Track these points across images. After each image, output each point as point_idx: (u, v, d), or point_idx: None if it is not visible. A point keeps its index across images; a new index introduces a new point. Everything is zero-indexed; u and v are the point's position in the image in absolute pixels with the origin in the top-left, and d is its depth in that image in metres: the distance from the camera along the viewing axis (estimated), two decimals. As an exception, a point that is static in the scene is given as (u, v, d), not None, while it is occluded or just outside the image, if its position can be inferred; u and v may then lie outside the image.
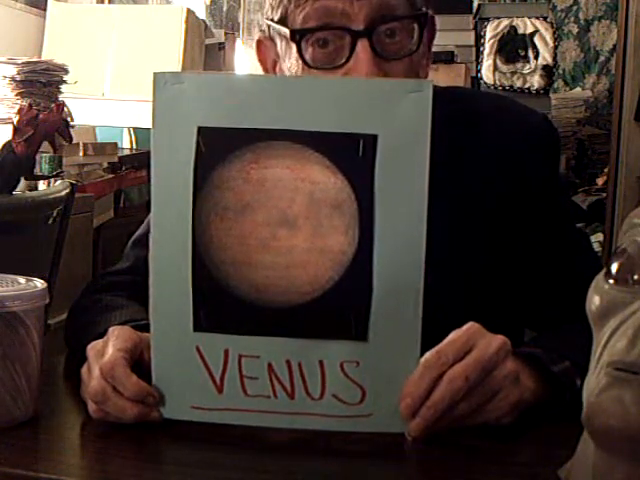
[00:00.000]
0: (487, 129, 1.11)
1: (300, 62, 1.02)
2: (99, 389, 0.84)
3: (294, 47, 1.02)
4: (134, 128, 3.23)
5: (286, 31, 1.03)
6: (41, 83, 2.73)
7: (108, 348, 0.86)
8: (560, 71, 5.46)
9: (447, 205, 1.02)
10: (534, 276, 1.11)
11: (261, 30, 1.11)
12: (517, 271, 1.11)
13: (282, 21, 1.04)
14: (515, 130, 1.12)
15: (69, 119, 2.63)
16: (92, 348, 0.88)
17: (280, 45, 1.07)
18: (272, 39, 1.08)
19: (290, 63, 1.05)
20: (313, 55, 1.02)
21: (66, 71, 2.83)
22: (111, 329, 0.89)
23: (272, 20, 1.06)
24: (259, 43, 1.11)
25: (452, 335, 0.83)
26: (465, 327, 0.84)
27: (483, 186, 1.10)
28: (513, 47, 3.59)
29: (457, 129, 1.06)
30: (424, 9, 1.05)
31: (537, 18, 3.64)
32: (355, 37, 0.99)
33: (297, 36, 1.01)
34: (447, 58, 3.44)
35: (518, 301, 1.12)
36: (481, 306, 1.02)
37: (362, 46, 0.99)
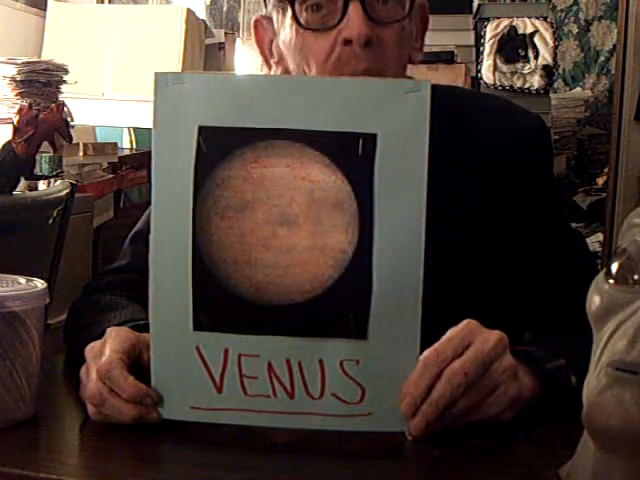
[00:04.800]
0: (481, 129, 1.12)
1: (294, 27, 1.05)
2: (96, 392, 0.84)
3: (289, 16, 1.05)
4: (134, 128, 3.23)
5: None
6: (41, 83, 2.72)
7: (105, 349, 0.86)
8: (560, 71, 5.46)
9: (444, 204, 1.03)
10: (529, 276, 1.11)
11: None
12: (513, 270, 1.11)
13: None
14: (508, 130, 1.13)
15: (69, 119, 2.63)
16: (90, 349, 0.88)
17: (276, 18, 1.09)
18: (268, 16, 1.11)
19: (285, 34, 1.07)
20: (307, 18, 1.04)
21: (66, 71, 2.83)
22: (109, 330, 0.89)
23: None
24: (256, 23, 1.14)
25: (450, 332, 0.84)
26: (462, 324, 0.84)
27: (478, 186, 1.10)
28: (513, 47, 3.59)
29: (452, 128, 1.07)
30: None
31: (537, 18, 3.63)
32: None
33: None
34: (447, 58, 3.43)
35: (515, 301, 1.12)
36: (479, 304, 1.03)
37: (354, 7, 1.01)
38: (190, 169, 0.83)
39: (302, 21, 1.04)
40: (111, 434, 0.84)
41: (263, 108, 0.83)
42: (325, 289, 0.82)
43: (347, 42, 1.01)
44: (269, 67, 1.13)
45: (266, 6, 1.11)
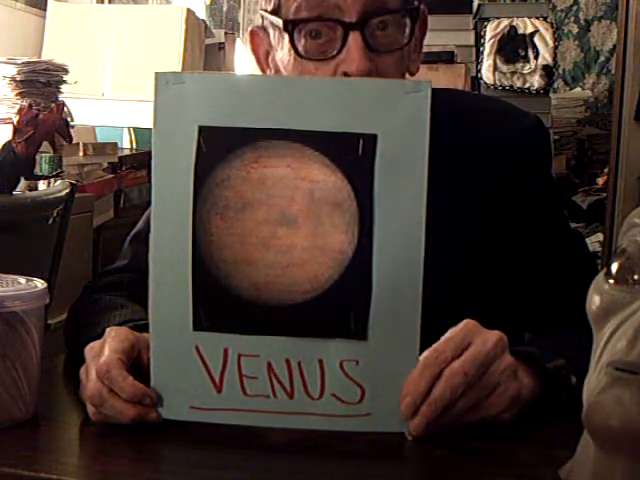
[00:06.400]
0: (480, 130, 1.12)
1: (292, 53, 1.03)
2: (96, 392, 0.84)
3: (286, 38, 1.03)
4: (134, 128, 3.23)
5: (279, 21, 1.04)
6: (41, 83, 2.73)
7: (104, 349, 0.86)
8: (560, 71, 5.46)
9: (444, 205, 1.03)
10: (529, 276, 1.11)
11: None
12: (513, 271, 1.11)
13: (275, 12, 1.05)
14: (507, 131, 1.13)
15: (69, 119, 2.63)
16: (89, 350, 0.88)
17: (273, 36, 1.08)
18: (265, 29, 1.09)
19: (282, 54, 1.06)
20: (305, 46, 1.03)
21: (66, 71, 2.83)
22: (108, 330, 0.89)
23: (266, 10, 1.07)
24: (252, 33, 1.12)
25: (449, 332, 0.84)
26: (462, 324, 0.84)
27: (478, 187, 1.10)
28: (513, 47, 3.59)
29: (451, 130, 1.07)
30: (416, 3, 1.06)
31: (537, 18, 3.63)
32: (347, 29, 1.00)
33: (289, 26, 1.02)
34: (447, 58, 3.43)
35: (515, 301, 1.12)
36: (479, 304, 1.03)
37: (354, 38, 1.00)
38: (190, 169, 0.83)
39: (300, 48, 1.02)
40: (111, 434, 0.84)
41: (263, 108, 0.83)
42: (325, 289, 0.82)
43: (346, 74, 1.00)
44: None
45: (263, 20, 1.09)
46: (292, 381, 0.84)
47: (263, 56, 1.11)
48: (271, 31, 1.08)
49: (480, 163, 1.11)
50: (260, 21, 1.10)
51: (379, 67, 1.01)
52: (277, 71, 1.09)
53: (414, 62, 1.10)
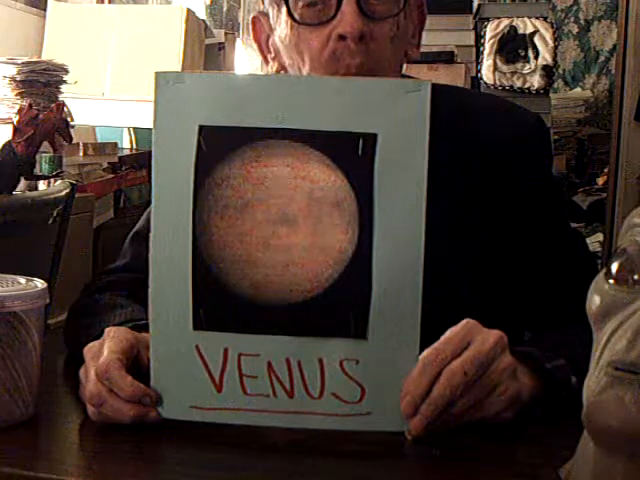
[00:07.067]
0: (481, 128, 1.12)
1: (289, 23, 1.06)
2: (95, 392, 0.84)
3: (284, 12, 1.06)
4: (134, 128, 3.23)
5: None
6: (41, 83, 2.72)
7: (103, 350, 0.86)
8: (560, 71, 5.46)
9: (444, 204, 1.03)
10: (529, 276, 1.11)
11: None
12: (513, 270, 1.11)
13: None
14: (508, 130, 1.13)
15: (69, 119, 2.63)
16: (89, 350, 0.88)
17: (272, 15, 1.11)
18: (265, 13, 1.12)
19: (280, 30, 1.08)
20: (301, 14, 1.06)
21: (66, 71, 2.83)
22: (107, 330, 0.89)
23: None
24: (254, 20, 1.15)
25: (449, 332, 0.84)
26: (462, 323, 0.84)
27: (478, 186, 1.10)
28: (513, 47, 3.59)
29: (452, 128, 1.07)
30: None
31: (537, 18, 3.63)
32: None
33: None
34: (447, 58, 3.43)
35: (515, 300, 1.12)
36: (479, 304, 1.03)
37: (348, 2, 1.02)
38: (190, 168, 0.83)
39: (297, 16, 1.05)
40: (111, 434, 0.84)
41: (263, 107, 0.83)
42: (325, 289, 0.82)
43: (341, 37, 1.02)
44: (266, 62, 1.15)
45: (263, 3, 1.13)
46: (292, 380, 0.84)
47: (264, 42, 1.14)
48: (270, 10, 1.10)
49: (481, 161, 1.11)
50: (261, 6, 1.13)
51: (374, 34, 1.03)
52: (277, 53, 1.11)
53: (413, 47, 1.11)
